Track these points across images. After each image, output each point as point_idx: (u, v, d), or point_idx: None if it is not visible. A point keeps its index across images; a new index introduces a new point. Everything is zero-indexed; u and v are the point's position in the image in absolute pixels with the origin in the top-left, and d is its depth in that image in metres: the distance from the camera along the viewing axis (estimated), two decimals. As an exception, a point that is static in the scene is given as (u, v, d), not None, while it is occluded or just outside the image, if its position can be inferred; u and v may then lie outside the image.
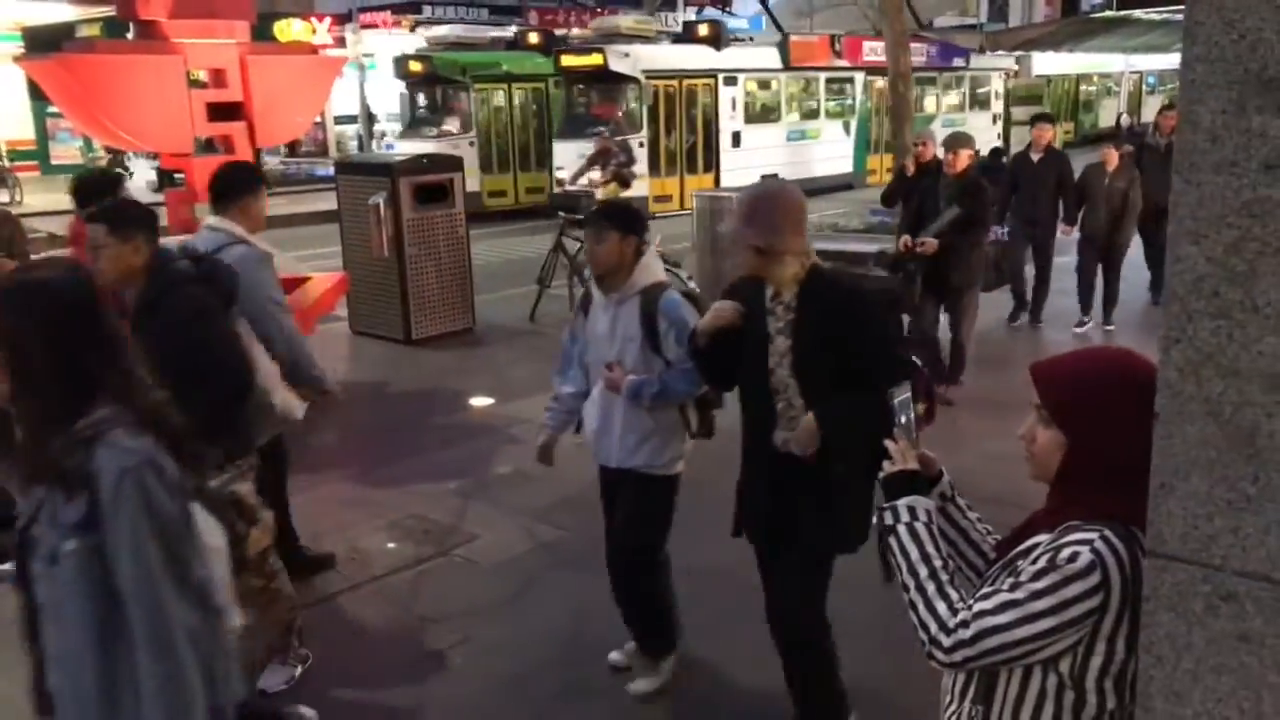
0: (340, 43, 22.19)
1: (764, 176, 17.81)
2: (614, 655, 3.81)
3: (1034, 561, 1.57)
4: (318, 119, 20.40)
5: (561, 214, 10.33)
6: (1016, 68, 26.84)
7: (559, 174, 15.56)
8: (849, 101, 21.82)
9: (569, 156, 14.76)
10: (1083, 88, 30.62)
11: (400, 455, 6.15)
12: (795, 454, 2.89)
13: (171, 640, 1.76)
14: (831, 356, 2.80)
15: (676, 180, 18.01)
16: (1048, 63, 28.18)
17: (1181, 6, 1.28)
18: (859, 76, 21.80)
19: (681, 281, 9.00)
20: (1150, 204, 8.41)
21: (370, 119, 22.48)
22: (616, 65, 16.94)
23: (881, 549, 1.96)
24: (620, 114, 17.34)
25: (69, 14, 17.25)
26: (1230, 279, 1.24)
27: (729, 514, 3.17)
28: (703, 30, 19.06)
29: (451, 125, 18.14)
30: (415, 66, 18.30)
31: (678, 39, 19.95)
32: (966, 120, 23.23)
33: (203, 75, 7.16)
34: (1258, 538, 1.26)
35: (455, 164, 9.25)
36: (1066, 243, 8.69)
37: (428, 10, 28.57)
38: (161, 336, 3.10)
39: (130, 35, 7.48)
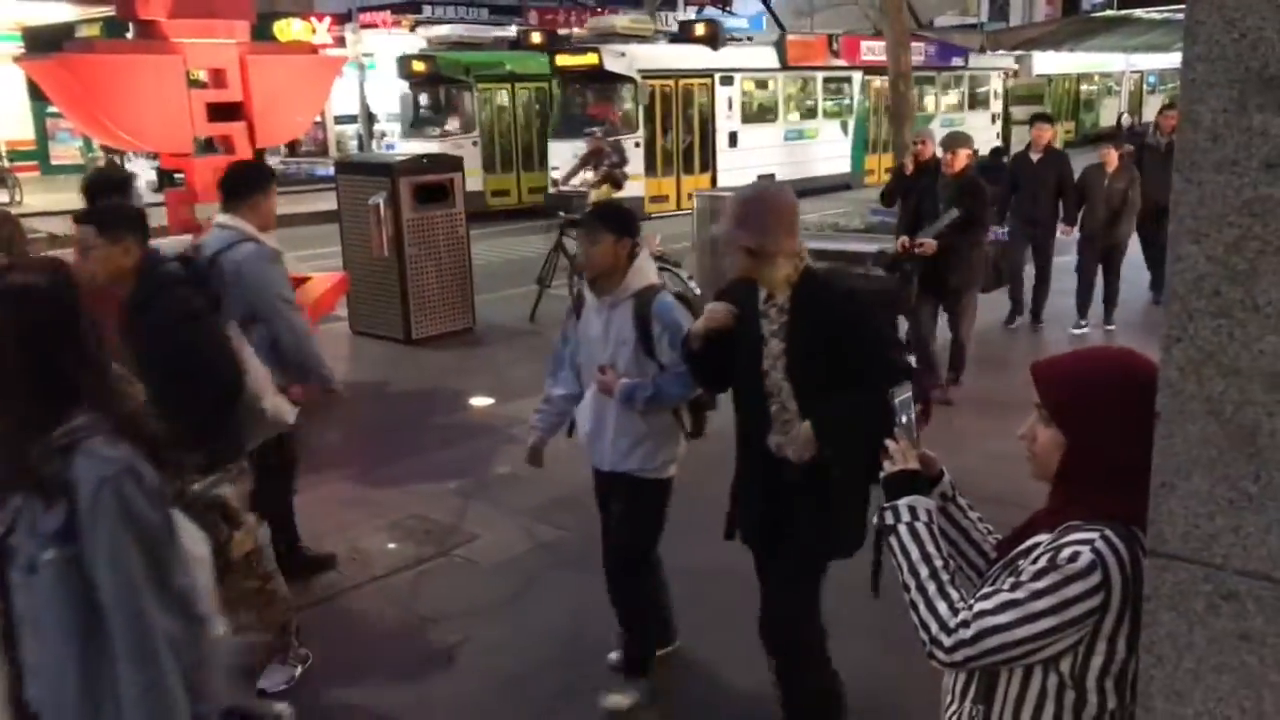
0: (340, 42, 22.18)
1: (761, 177, 17.84)
2: (614, 655, 3.80)
3: (1034, 561, 1.56)
4: (318, 119, 20.41)
5: (561, 214, 10.34)
6: (1016, 67, 26.82)
7: (553, 174, 15.55)
8: (847, 101, 21.77)
9: (564, 156, 14.76)
10: (1083, 87, 30.62)
11: (400, 455, 6.15)
12: (791, 459, 2.87)
13: (153, 649, 1.74)
14: (825, 359, 2.78)
15: (673, 180, 17.97)
16: (1048, 62, 28.17)
17: (1182, 6, 1.28)
18: (857, 76, 21.74)
19: (682, 281, 9.05)
20: (1150, 203, 8.40)
21: (370, 119, 22.47)
22: (612, 65, 16.89)
23: (874, 564, 1.96)
24: (616, 114, 17.30)
25: (69, 14, 17.25)
26: (1231, 278, 1.24)
27: (725, 515, 3.17)
28: (699, 30, 18.99)
29: (455, 125, 18.15)
30: (419, 66, 18.30)
31: (674, 38, 19.90)
32: (965, 120, 23.19)
33: (202, 75, 7.15)
34: (1259, 537, 1.26)
35: (455, 164, 9.25)
36: (1066, 243, 8.69)
37: (427, 10, 28.58)
38: (151, 338, 3.10)
39: (130, 35, 7.48)
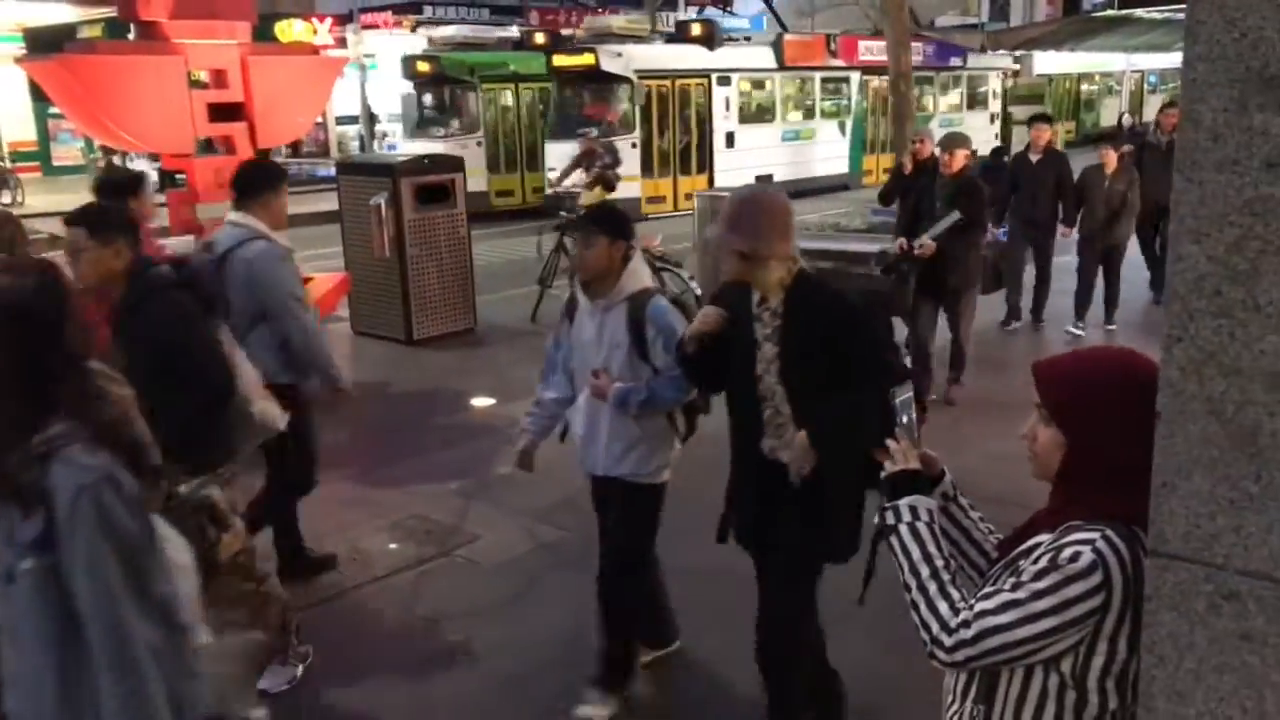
0: (341, 43, 22.19)
1: (758, 177, 17.78)
2: (616, 655, 3.81)
3: (1035, 561, 1.56)
4: (319, 120, 20.43)
5: (563, 214, 10.34)
6: (1017, 67, 26.79)
7: (550, 175, 15.56)
8: (844, 101, 21.71)
9: (561, 157, 14.79)
10: (1084, 87, 30.60)
11: (402, 456, 6.15)
12: (784, 462, 2.86)
13: (132, 658, 1.71)
14: (819, 363, 2.77)
15: (670, 181, 17.93)
16: (1049, 62, 28.16)
17: (1183, 6, 1.28)
18: (854, 76, 21.68)
19: (683, 281, 9.06)
20: (1151, 203, 8.40)
21: (371, 119, 22.49)
22: (608, 65, 16.84)
23: (866, 573, 1.96)
24: (613, 114, 17.25)
25: (70, 15, 17.28)
26: (1232, 278, 1.24)
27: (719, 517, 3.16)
28: (695, 30, 18.93)
29: (459, 125, 18.18)
30: (423, 67, 18.31)
31: (670, 38, 19.84)
32: (964, 120, 23.15)
33: (204, 76, 7.15)
34: (1260, 536, 1.26)
35: (456, 164, 9.25)
36: (1066, 243, 8.68)
37: (429, 11, 28.59)
38: (141, 341, 3.08)
39: (131, 36, 7.49)
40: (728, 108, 18.77)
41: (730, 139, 18.82)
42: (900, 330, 6.58)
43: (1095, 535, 1.53)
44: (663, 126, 17.76)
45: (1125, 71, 31.82)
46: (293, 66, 7.52)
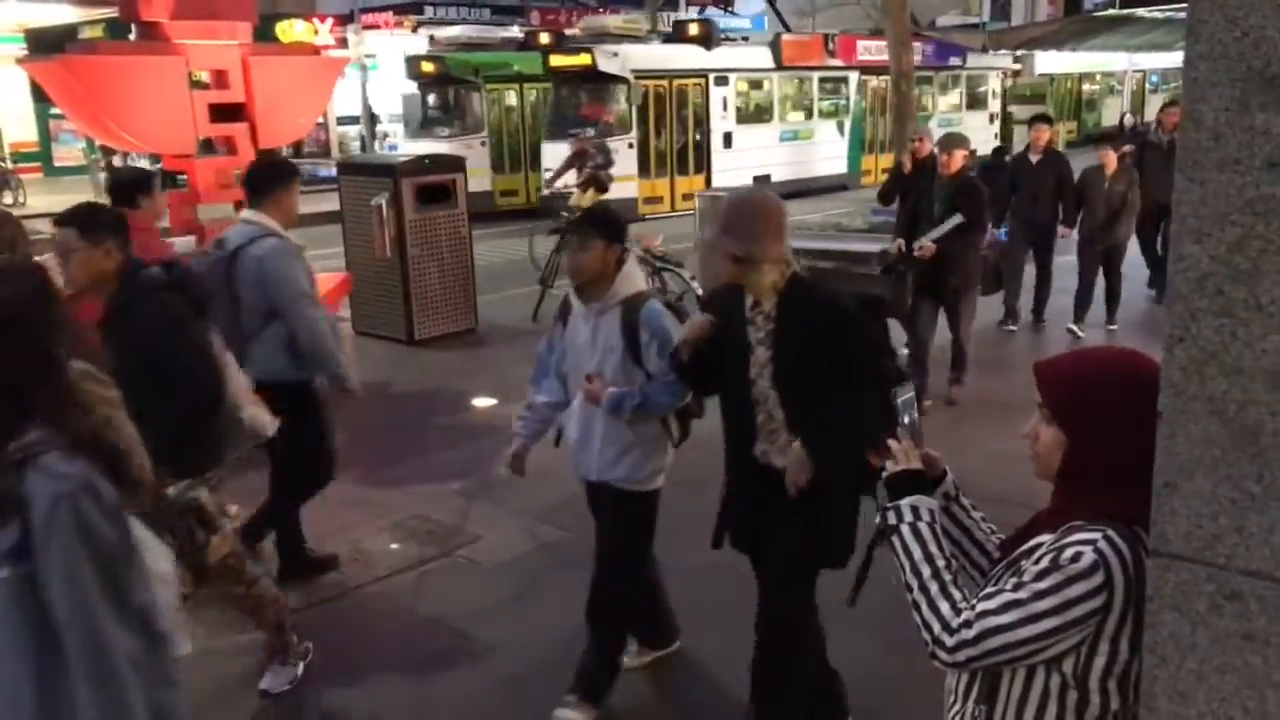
0: (342, 43, 22.19)
1: (756, 178, 17.72)
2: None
3: (1037, 561, 1.56)
4: (320, 120, 20.43)
5: (564, 214, 10.34)
6: (1017, 67, 26.76)
7: (547, 175, 15.56)
8: (843, 101, 21.65)
9: (558, 158, 14.79)
10: (1086, 86, 30.58)
11: (403, 456, 6.15)
12: (777, 467, 2.85)
13: (111, 668, 1.69)
14: (812, 368, 2.75)
15: (667, 181, 17.91)
16: (1050, 61, 28.15)
17: (1184, 5, 1.28)
18: (853, 76, 21.61)
19: (685, 281, 9.06)
20: (1152, 202, 8.38)
21: (372, 120, 22.50)
22: (605, 65, 16.79)
23: (859, 578, 1.95)
24: (609, 114, 17.22)
25: (72, 16, 17.29)
26: (1234, 277, 1.23)
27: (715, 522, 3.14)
28: (693, 30, 18.88)
29: (463, 125, 18.19)
30: (427, 67, 18.33)
31: (667, 38, 19.78)
32: (963, 120, 23.11)
33: (205, 76, 7.15)
34: (1262, 537, 1.25)
35: (457, 164, 9.25)
36: (1066, 244, 8.67)
37: (430, 11, 28.60)
38: (131, 343, 3.06)
39: (132, 37, 7.49)
40: (725, 108, 18.72)
41: (728, 139, 18.77)
42: (897, 332, 6.58)
43: (1097, 535, 1.53)
44: (660, 127, 17.72)
45: (1127, 71, 31.80)
46: (294, 67, 7.52)
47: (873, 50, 21.37)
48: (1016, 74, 26.88)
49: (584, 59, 16.97)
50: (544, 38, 19.34)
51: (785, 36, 20.84)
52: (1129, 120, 26.90)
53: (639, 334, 3.23)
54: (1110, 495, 1.55)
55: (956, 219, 6.30)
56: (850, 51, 21.42)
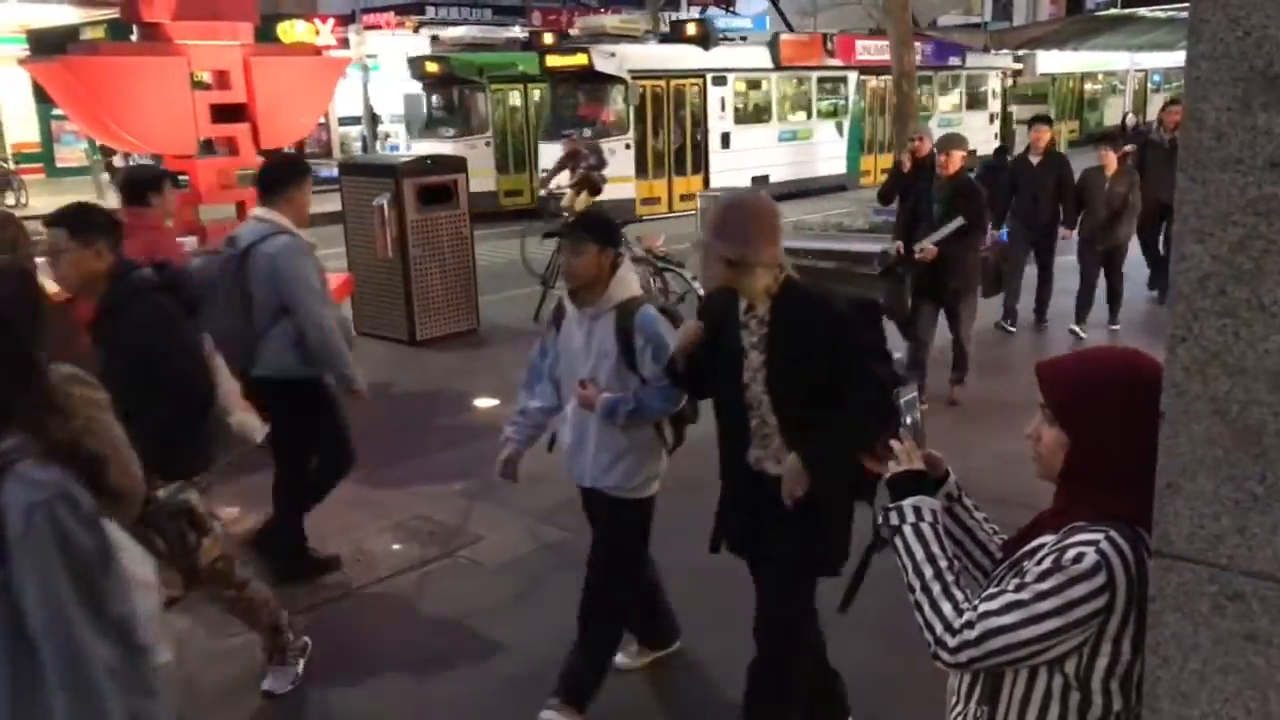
0: (343, 44, 22.20)
1: (754, 179, 17.66)
2: (619, 657, 3.80)
3: (1039, 562, 1.56)
4: (321, 120, 20.43)
5: (565, 215, 10.35)
6: (1019, 66, 26.73)
7: (543, 176, 15.58)
8: (842, 101, 21.60)
9: (554, 158, 14.75)
10: (1088, 86, 30.57)
11: (405, 456, 6.15)
12: (770, 473, 2.84)
13: (88, 678, 1.65)
14: (805, 373, 2.73)
15: (664, 182, 17.87)
16: (1052, 61, 28.13)
17: (1186, 4, 1.28)
18: (852, 76, 21.54)
19: (686, 281, 9.06)
20: (1154, 201, 8.36)
21: (374, 120, 22.52)
22: (602, 65, 16.74)
23: (853, 583, 1.95)
24: (606, 115, 17.18)
25: (73, 17, 17.31)
26: (1236, 277, 1.23)
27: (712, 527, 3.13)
28: (690, 29, 18.82)
29: (468, 125, 18.20)
30: (432, 68, 18.34)
31: (665, 38, 19.74)
32: (963, 120, 23.06)
33: (206, 77, 7.16)
34: (1265, 537, 1.25)
35: (459, 165, 9.26)
36: (1066, 244, 8.66)
37: (431, 11, 28.60)
38: (121, 345, 3.05)
39: (134, 37, 7.49)
40: (723, 108, 18.67)
41: (726, 139, 18.71)
42: (893, 335, 6.56)
43: (1099, 536, 1.53)
44: (657, 127, 17.68)
45: (1129, 70, 31.78)
46: (295, 67, 7.53)
47: (872, 50, 21.33)
48: (1017, 74, 26.84)
49: (580, 59, 16.92)
50: (548, 38, 19.34)
51: (783, 36, 20.80)
52: (1131, 120, 26.88)
53: (633, 339, 3.20)
54: (1113, 496, 1.55)
55: (958, 221, 6.29)
56: (849, 51, 21.37)
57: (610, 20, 19.36)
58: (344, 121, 24.40)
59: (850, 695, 3.25)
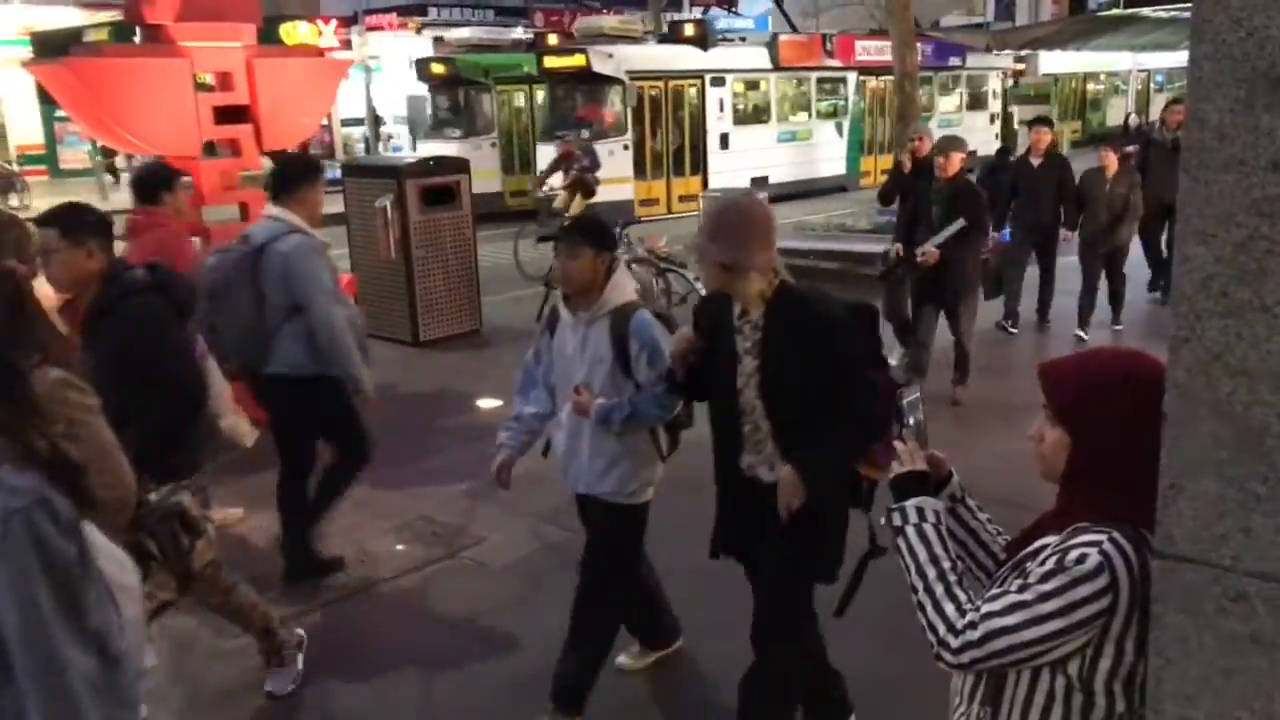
0: (346, 45, 22.23)
1: (754, 180, 17.60)
2: (622, 658, 3.80)
3: (1042, 563, 1.56)
4: (325, 122, 20.46)
5: (562, 216, 10.36)
6: (1020, 67, 26.70)
7: (538, 177, 15.57)
8: (842, 102, 21.53)
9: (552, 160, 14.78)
10: (1090, 86, 30.52)
11: (408, 458, 6.15)
12: (763, 480, 2.84)
13: (65, 687, 1.60)
14: (798, 379, 2.72)
15: (663, 183, 17.85)
16: (1055, 61, 28.08)
17: (1189, 4, 1.28)
18: (852, 76, 21.47)
19: (689, 282, 9.05)
20: (1157, 201, 8.34)
21: (376, 121, 22.54)
22: (599, 66, 16.71)
23: (849, 589, 1.95)
24: (605, 116, 17.15)
25: (77, 19, 17.35)
26: (1239, 278, 1.23)
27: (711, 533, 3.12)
28: (688, 30, 18.78)
29: (474, 126, 18.22)
30: (438, 69, 18.36)
31: (663, 39, 19.69)
32: (963, 120, 23.00)
33: (209, 79, 7.17)
34: (1268, 538, 1.25)
35: (462, 166, 9.26)
36: (1068, 246, 8.65)
37: (433, 12, 28.62)
38: (112, 346, 3.03)
39: (137, 39, 7.50)
40: (722, 109, 18.62)
41: (725, 140, 18.65)
42: (891, 338, 6.56)
43: (1102, 537, 1.52)
44: (656, 128, 17.64)
45: (1132, 70, 31.73)
46: (298, 69, 7.53)
47: (871, 50, 21.28)
48: (1018, 74, 26.80)
49: (578, 60, 16.88)
50: (553, 39, 19.34)
51: (782, 37, 20.75)
52: (1134, 120, 26.85)
53: (628, 345, 3.18)
54: (1115, 497, 1.54)
55: (960, 224, 6.28)
56: (848, 52, 21.31)
57: (608, 21, 19.32)
58: (347, 123, 24.44)
59: (850, 695, 3.25)
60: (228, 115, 6.94)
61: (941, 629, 1.60)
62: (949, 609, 1.61)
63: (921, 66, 21.12)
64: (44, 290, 3.27)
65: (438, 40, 21.35)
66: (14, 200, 18.10)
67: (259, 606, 3.65)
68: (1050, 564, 1.54)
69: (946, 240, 6.28)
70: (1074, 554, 1.52)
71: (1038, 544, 1.63)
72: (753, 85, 19.55)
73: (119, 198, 17.92)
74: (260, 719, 3.66)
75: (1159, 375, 1.35)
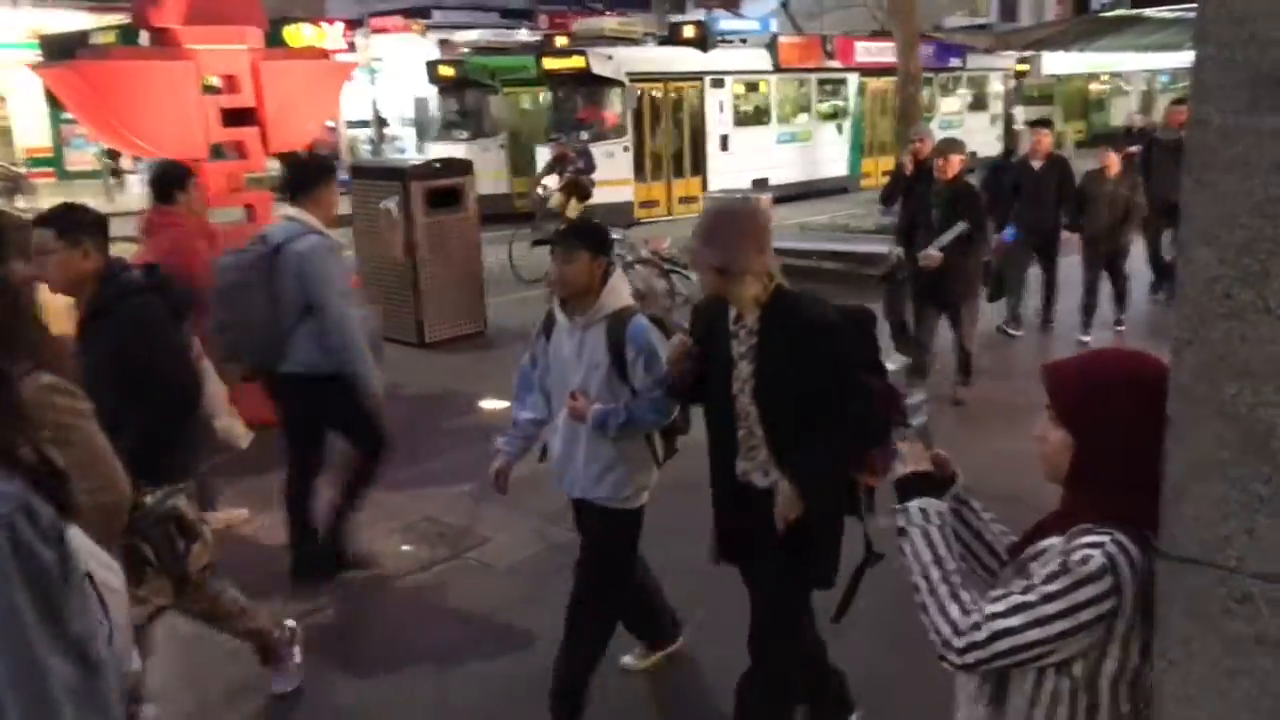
0: (351, 47, 22.25)
1: (754, 181, 17.57)
2: (626, 659, 3.81)
3: (1046, 564, 1.56)
4: (331, 124, 20.48)
5: (558, 219, 10.36)
6: (1023, 68, 26.64)
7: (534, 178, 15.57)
8: (842, 103, 21.47)
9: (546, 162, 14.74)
10: (1094, 87, 30.46)
11: (413, 458, 6.15)
12: (758, 486, 2.84)
13: (44, 695, 1.57)
14: (794, 383, 2.70)
15: (663, 185, 17.81)
16: (1058, 62, 28.03)
17: (1193, 5, 1.28)
18: (852, 78, 21.41)
19: (691, 283, 9.05)
20: (1160, 200, 8.31)
21: (381, 123, 22.56)
22: (599, 68, 16.68)
23: (846, 595, 1.95)
24: (604, 118, 17.12)
25: (84, 22, 17.41)
26: (1243, 280, 1.23)
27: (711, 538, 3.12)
28: (688, 32, 18.73)
29: (482, 128, 18.25)
30: (446, 71, 18.39)
31: (663, 40, 19.65)
32: (964, 121, 22.92)
33: (216, 81, 7.19)
34: (1273, 539, 1.25)
35: (466, 168, 9.28)
36: (1070, 247, 8.63)
37: (438, 15, 28.63)
38: (107, 346, 3.03)
39: (144, 42, 7.52)
40: (722, 110, 18.57)
41: (725, 142, 18.60)
42: (889, 341, 6.54)
43: (1105, 538, 1.53)
44: (656, 130, 17.61)
45: (1136, 71, 31.66)
46: (303, 71, 7.56)
47: (873, 52, 21.23)
48: (1020, 75, 26.74)
49: (578, 62, 16.85)
50: (560, 41, 19.34)
51: (782, 38, 20.72)
52: (1138, 121, 26.78)
53: (625, 350, 3.16)
54: (1119, 498, 1.55)
55: (961, 226, 6.27)
56: (849, 53, 21.24)
57: (608, 23, 19.31)
58: (352, 125, 24.47)
59: (851, 694, 3.25)
60: (234, 118, 6.97)
61: (946, 630, 1.61)
62: (953, 610, 1.61)
63: (923, 68, 21.13)
64: (55, 293, 3.28)
65: (443, 43, 21.36)
66: (21, 202, 18.14)
67: (246, 611, 3.59)
68: (1054, 565, 1.54)
69: (948, 244, 6.27)
70: (1078, 555, 1.52)
71: (1041, 545, 1.64)
72: (753, 87, 19.51)
73: (123, 199, 17.99)
74: (267, 718, 3.67)
75: (1162, 376, 1.36)
